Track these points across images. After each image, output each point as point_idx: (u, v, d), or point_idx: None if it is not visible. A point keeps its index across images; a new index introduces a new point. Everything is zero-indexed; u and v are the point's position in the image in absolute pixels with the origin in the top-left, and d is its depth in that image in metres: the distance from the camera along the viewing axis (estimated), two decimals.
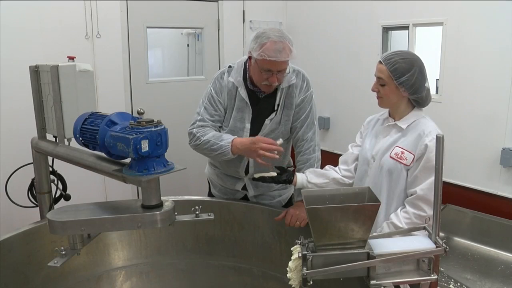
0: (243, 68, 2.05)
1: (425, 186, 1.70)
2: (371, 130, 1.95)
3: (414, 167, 1.74)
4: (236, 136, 1.98)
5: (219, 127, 2.09)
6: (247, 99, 2.04)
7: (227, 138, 1.96)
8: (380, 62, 1.77)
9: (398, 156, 1.77)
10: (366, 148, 1.92)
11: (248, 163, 2.13)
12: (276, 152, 1.84)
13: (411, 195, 1.75)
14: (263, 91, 2.03)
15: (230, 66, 2.10)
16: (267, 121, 2.05)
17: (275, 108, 2.06)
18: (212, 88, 2.09)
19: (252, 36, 1.96)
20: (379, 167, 1.83)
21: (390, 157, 1.79)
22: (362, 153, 1.94)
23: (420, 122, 1.79)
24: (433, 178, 1.67)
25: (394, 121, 1.84)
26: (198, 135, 2.01)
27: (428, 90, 1.80)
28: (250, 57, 1.97)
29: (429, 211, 1.69)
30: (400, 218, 1.73)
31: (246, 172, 2.14)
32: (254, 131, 2.07)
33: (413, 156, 1.74)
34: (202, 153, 2.08)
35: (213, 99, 2.07)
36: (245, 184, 2.19)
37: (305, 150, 2.07)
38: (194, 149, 2.08)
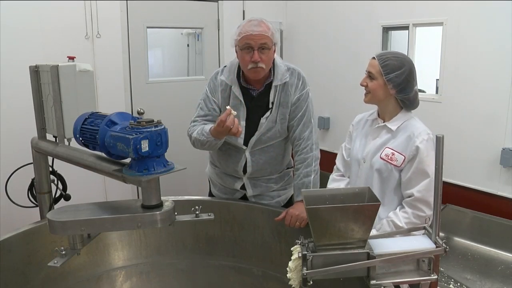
0: (236, 66, 2.08)
1: (422, 188, 1.73)
2: (360, 131, 1.97)
3: (406, 169, 1.77)
4: (210, 125, 1.99)
5: None
6: (240, 97, 2.06)
7: (206, 131, 1.98)
8: (373, 58, 1.82)
9: (389, 157, 1.79)
10: (357, 149, 1.94)
11: (246, 162, 2.13)
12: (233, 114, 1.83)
13: (408, 196, 1.77)
14: (254, 85, 2.05)
15: (225, 66, 2.14)
16: (262, 119, 2.06)
17: (270, 106, 2.06)
18: (207, 89, 2.14)
19: None
20: (369, 168, 1.85)
21: (381, 158, 1.81)
22: (353, 154, 1.96)
23: (410, 123, 1.82)
24: (428, 179, 1.72)
25: (384, 122, 1.86)
26: (189, 134, 2.08)
27: (417, 93, 1.83)
28: (235, 49, 2.01)
29: (428, 211, 1.72)
30: (399, 217, 1.75)
31: (244, 171, 2.15)
32: (250, 130, 2.08)
33: (403, 157, 1.76)
34: (203, 149, 2.11)
35: (208, 98, 2.12)
36: (243, 183, 2.20)
37: (302, 149, 2.07)
38: (196, 148, 2.11)
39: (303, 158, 2.07)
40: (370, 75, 1.81)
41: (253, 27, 1.92)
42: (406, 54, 1.87)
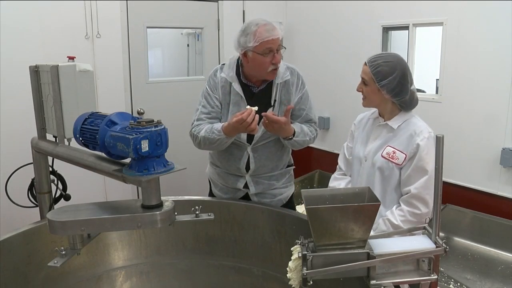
0: (236, 64, 2.10)
1: (419, 185, 1.73)
2: (362, 130, 1.98)
3: (406, 166, 1.78)
4: (221, 123, 2.03)
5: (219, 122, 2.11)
6: (241, 93, 2.08)
7: (217, 129, 2.00)
8: (365, 63, 1.81)
9: (390, 156, 1.80)
10: (358, 148, 1.94)
11: (248, 159, 2.14)
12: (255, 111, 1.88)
13: (406, 193, 1.76)
14: (254, 83, 2.08)
15: (223, 64, 2.16)
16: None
17: (272, 103, 2.09)
18: (207, 86, 2.15)
19: (236, 36, 2.01)
20: (371, 166, 1.85)
21: (382, 156, 1.81)
22: (354, 153, 1.97)
23: (411, 122, 1.82)
24: (426, 177, 1.72)
25: (384, 121, 1.86)
26: (195, 134, 2.08)
27: (413, 92, 1.83)
28: (244, 55, 2.00)
29: (424, 209, 1.72)
30: (395, 215, 1.76)
31: (247, 168, 2.16)
32: None
33: (404, 156, 1.77)
34: (209, 149, 2.15)
35: (209, 96, 2.13)
36: (246, 182, 2.20)
37: (308, 126, 2.17)
38: (201, 148, 2.12)
39: (308, 126, 2.15)
40: (364, 82, 1.82)
41: (271, 31, 1.94)
42: (399, 54, 1.85)
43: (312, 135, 2.16)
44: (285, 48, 2.03)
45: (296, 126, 2.08)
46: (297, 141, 2.08)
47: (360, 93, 1.87)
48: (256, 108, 1.88)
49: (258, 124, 2.01)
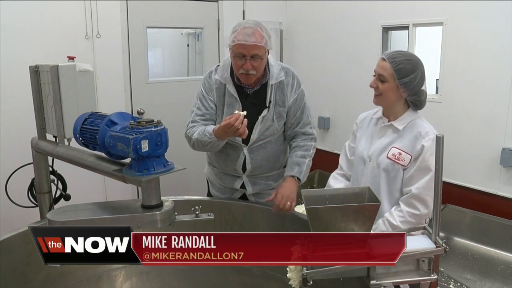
0: (230, 65, 2.09)
1: (420, 185, 1.71)
2: (365, 129, 1.95)
3: (410, 167, 1.76)
4: (213, 126, 2.03)
5: (213, 124, 2.12)
6: (235, 94, 2.07)
7: (208, 132, 2.00)
8: (383, 59, 1.77)
9: (396, 157, 1.78)
10: (362, 147, 1.92)
11: (244, 160, 2.14)
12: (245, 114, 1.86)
13: (406, 193, 1.76)
14: (247, 85, 2.07)
15: (218, 65, 2.16)
16: (260, 118, 2.07)
17: (267, 105, 2.08)
18: (202, 88, 2.15)
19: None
20: (376, 167, 1.83)
21: (388, 157, 1.79)
22: (358, 152, 1.94)
23: (416, 123, 1.80)
24: (427, 177, 1.70)
25: (389, 121, 1.84)
26: (189, 135, 2.08)
27: (426, 93, 1.81)
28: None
29: (423, 210, 1.71)
30: (394, 216, 1.74)
31: (244, 169, 2.16)
32: (247, 128, 2.08)
33: (410, 157, 1.75)
34: (204, 151, 2.15)
35: (204, 98, 2.13)
36: (243, 182, 2.20)
37: (302, 139, 2.15)
38: (196, 150, 2.12)
39: (302, 144, 2.12)
40: (380, 78, 1.76)
41: (246, 36, 1.90)
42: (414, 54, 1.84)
43: (310, 152, 2.13)
44: (260, 59, 1.95)
45: (293, 168, 2.06)
46: (306, 173, 2.10)
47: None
48: (244, 112, 1.85)
49: (252, 127, 2.02)
